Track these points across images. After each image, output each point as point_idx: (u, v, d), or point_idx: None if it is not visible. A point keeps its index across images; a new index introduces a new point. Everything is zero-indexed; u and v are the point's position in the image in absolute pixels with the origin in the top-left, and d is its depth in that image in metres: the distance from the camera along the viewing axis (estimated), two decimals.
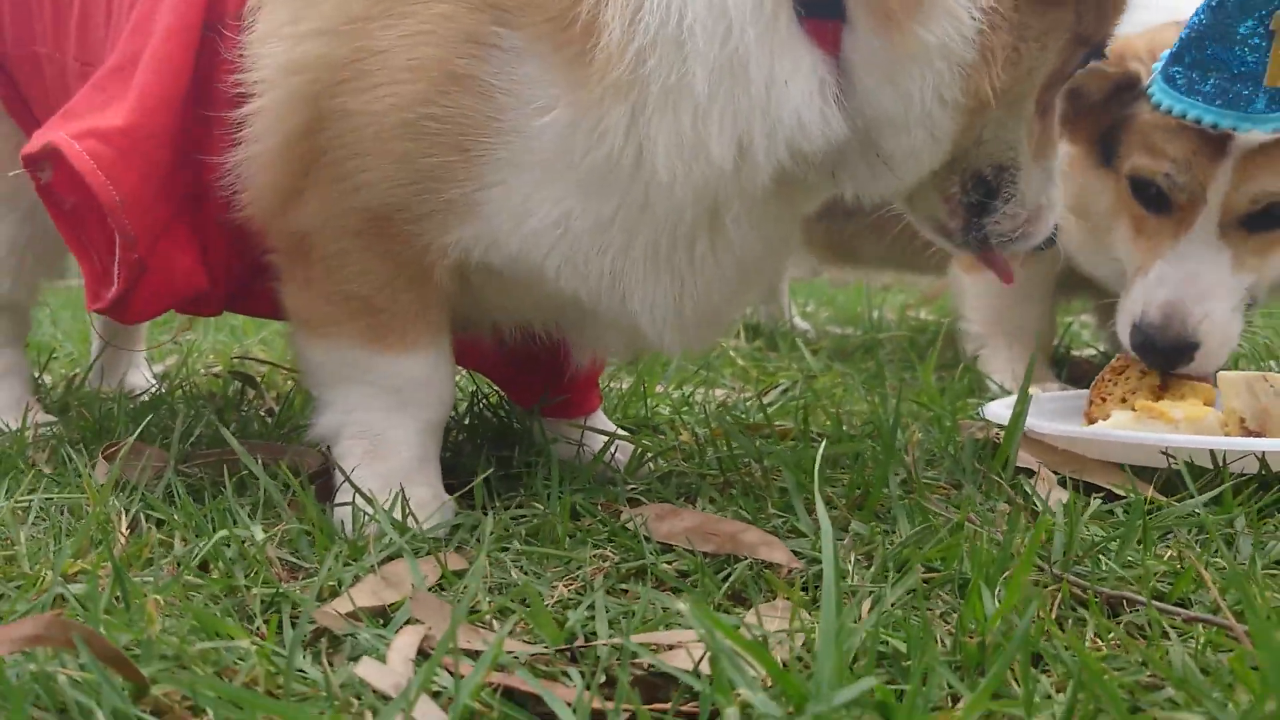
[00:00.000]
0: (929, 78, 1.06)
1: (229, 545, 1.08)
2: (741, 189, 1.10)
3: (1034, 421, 1.41)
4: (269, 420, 1.78)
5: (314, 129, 1.15)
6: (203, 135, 1.26)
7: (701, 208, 1.12)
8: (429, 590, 1.00)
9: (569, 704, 0.74)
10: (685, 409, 1.77)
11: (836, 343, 2.67)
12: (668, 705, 0.76)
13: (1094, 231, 1.76)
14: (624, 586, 1.04)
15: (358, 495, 1.19)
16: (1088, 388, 1.64)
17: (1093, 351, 2.43)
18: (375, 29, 1.12)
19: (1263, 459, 1.26)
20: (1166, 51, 1.56)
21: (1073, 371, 2.19)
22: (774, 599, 0.99)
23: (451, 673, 0.78)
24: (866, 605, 0.93)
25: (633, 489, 1.32)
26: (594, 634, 0.91)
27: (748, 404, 1.80)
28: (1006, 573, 0.95)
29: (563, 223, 1.13)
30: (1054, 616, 0.93)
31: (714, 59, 1.04)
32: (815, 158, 1.09)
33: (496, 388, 1.64)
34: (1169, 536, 1.14)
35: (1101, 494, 1.27)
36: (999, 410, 1.48)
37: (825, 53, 1.07)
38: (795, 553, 1.06)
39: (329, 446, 1.28)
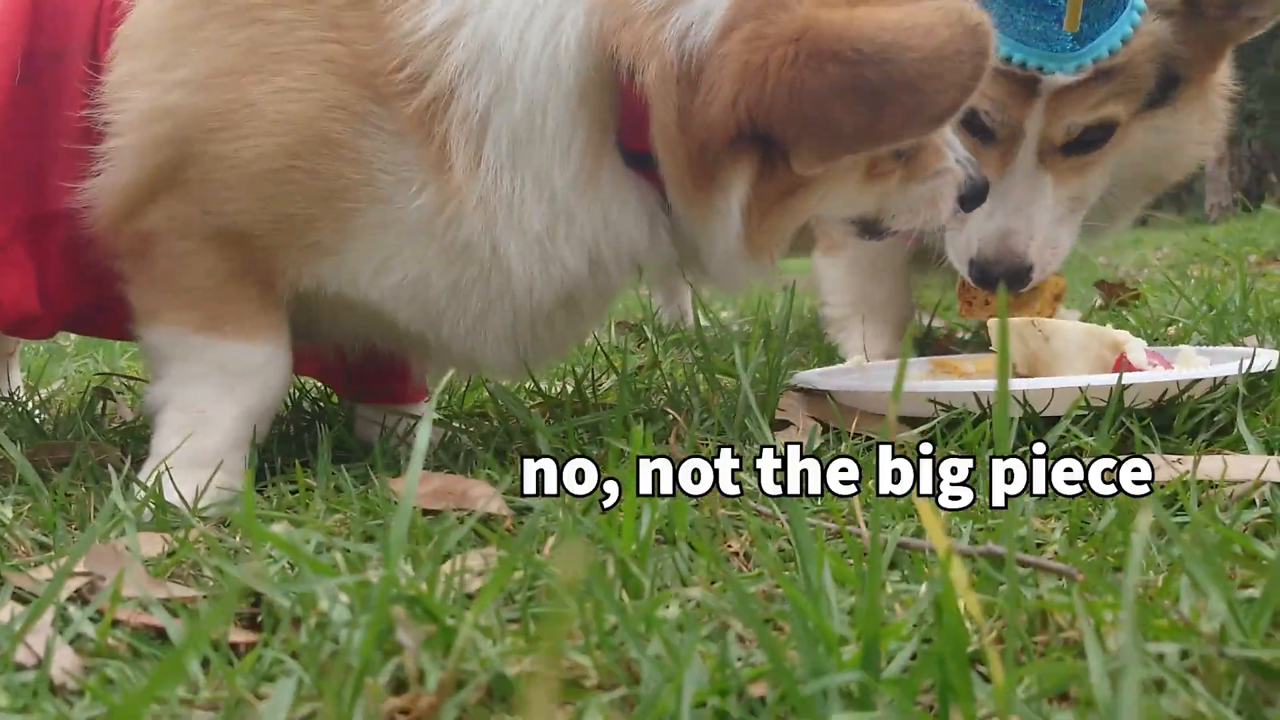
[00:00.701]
0: (720, 240, 1.19)
1: None
2: (597, 287, 1.24)
3: (818, 378, 1.44)
4: (117, 431, 1.81)
5: (177, 165, 1.20)
6: (45, 161, 1.28)
7: (559, 301, 1.24)
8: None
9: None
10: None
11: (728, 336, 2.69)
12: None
13: None
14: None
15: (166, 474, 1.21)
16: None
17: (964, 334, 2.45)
18: (246, 83, 1.17)
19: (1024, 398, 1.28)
20: None
21: (936, 349, 2.20)
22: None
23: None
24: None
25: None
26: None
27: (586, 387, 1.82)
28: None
29: (423, 281, 1.22)
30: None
31: (544, 212, 1.17)
32: (661, 266, 1.27)
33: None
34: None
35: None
36: (810, 377, 1.50)
37: (654, 188, 1.20)
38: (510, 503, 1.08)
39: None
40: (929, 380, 1.47)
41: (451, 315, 1.24)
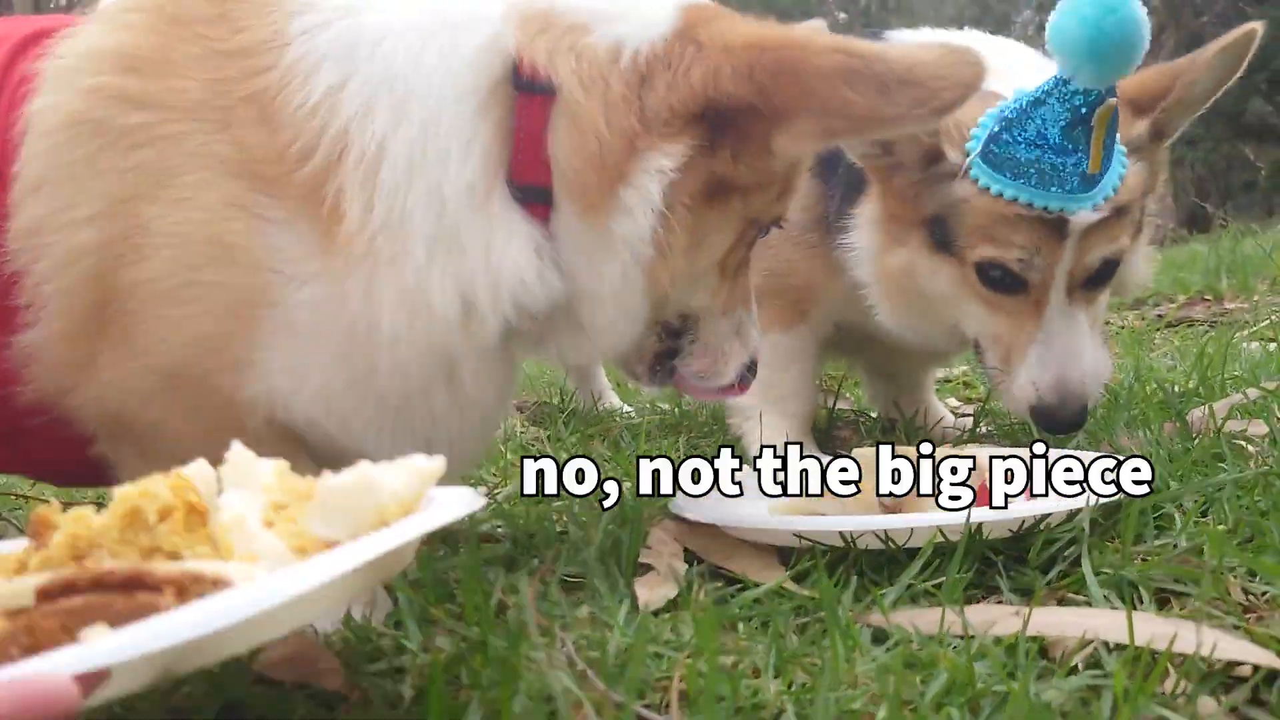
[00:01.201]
0: (617, 263, 1.21)
1: None
2: (471, 342, 1.20)
3: (689, 505, 1.45)
4: None
5: (103, 303, 1.19)
6: None
7: (431, 364, 1.21)
8: None
9: None
10: None
11: (650, 421, 2.69)
12: None
13: (926, 307, 1.83)
14: None
15: None
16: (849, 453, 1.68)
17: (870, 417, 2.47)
18: (141, 205, 1.17)
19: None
20: (979, 130, 1.65)
21: (835, 441, 2.22)
22: None
23: None
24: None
25: None
26: None
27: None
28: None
29: (328, 387, 1.21)
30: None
31: (430, 232, 1.17)
32: (540, 313, 1.22)
33: None
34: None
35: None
36: (684, 503, 1.50)
37: (539, 224, 1.21)
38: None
39: None
40: (805, 503, 1.48)
41: (355, 415, 1.23)
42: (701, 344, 1.39)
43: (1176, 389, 2.19)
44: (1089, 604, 1.13)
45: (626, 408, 2.95)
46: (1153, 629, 0.99)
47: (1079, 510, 1.29)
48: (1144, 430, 1.81)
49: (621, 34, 1.22)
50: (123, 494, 0.85)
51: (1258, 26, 1.59)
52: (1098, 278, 1.73)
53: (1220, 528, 1.28)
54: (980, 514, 1.26)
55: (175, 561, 0.82)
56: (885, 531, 1.29)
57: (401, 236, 1.17)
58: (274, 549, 0.83)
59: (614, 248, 1.21)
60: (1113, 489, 1.31)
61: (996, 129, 1.62)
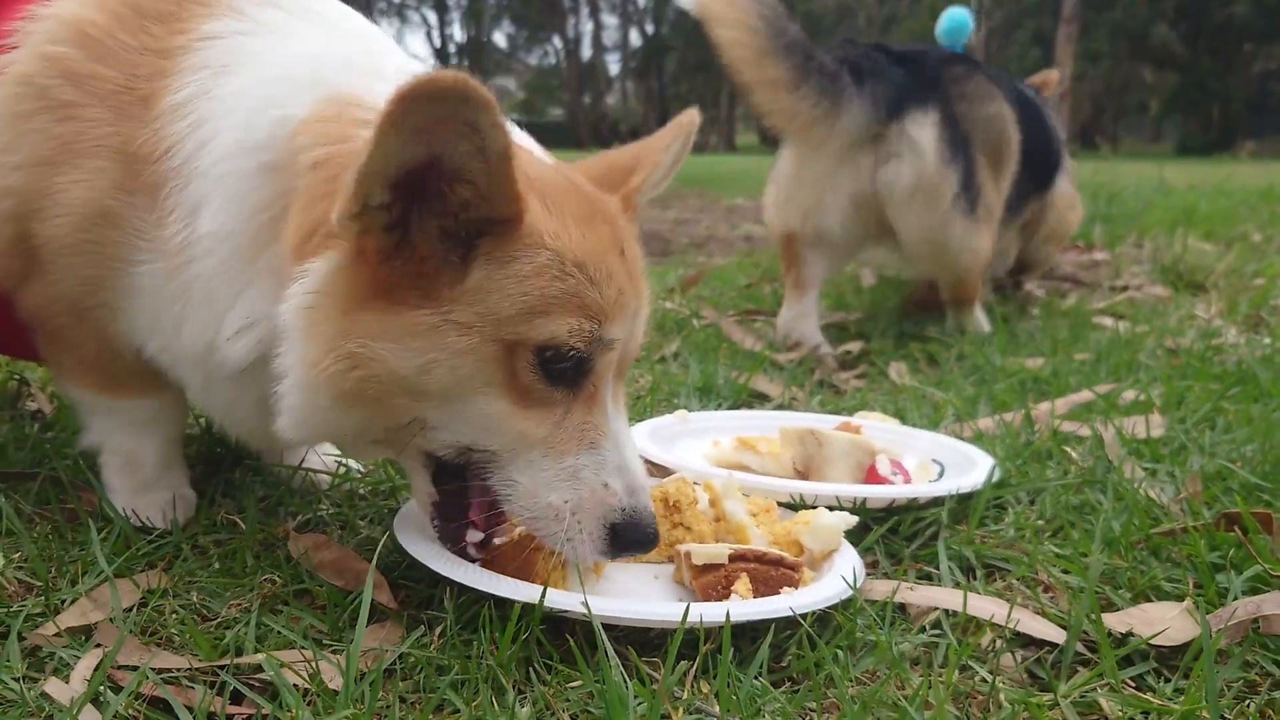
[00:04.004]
0: (301, 291, 1.25)
1: None
2: (216, 364, 1.40)
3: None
4: (37, 422, 2.08)
5: (22, 238, 1.45)
6: None
7: (200, 369, 1.43)
8: (134, 605, 1.36)
9: (188, 706, 1.11)
10: None
11: None
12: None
13: None
14: (283, 606, 1.40)
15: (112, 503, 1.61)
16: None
17: None
18: (54, 173, 1.41)
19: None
20: None
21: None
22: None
23: (116, 687, 1.14)
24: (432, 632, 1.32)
25: (325, 510, 1.70)
26: (241, 649, 1.27)
27: None
28: None
29: (168, 347, 1.46)
30: None
31: (214, 265, 1.34)
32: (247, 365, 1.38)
33: None
34: None
35: None
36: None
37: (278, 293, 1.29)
38: (407, 585, 1.44)
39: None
40: (735, 455, 1.89)
41: (192, 372, 1.47)
42: (515, 486, 1.27)
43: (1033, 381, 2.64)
44: (938, 574, 1.56)
45: None
46: (979, 604, 1.41)
47: (944, 497, 1.71)
48: (1000, 415, 2.25)
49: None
50: (661, 488, 1.55)
51: (695, 112, 1.53)
52: None
53: (1039, 521, 1.72)
54: (870, 490, 1.67)
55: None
56: (800, 494, 1.70)
57: (200, 259, 1.34)
58: (760, 541, 1.52)
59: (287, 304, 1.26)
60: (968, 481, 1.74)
61: None
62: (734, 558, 1.37)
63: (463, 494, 1.32)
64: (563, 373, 1.24)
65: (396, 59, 1.43)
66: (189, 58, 1.38)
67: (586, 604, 1.23)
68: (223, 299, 1.35)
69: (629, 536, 1.25)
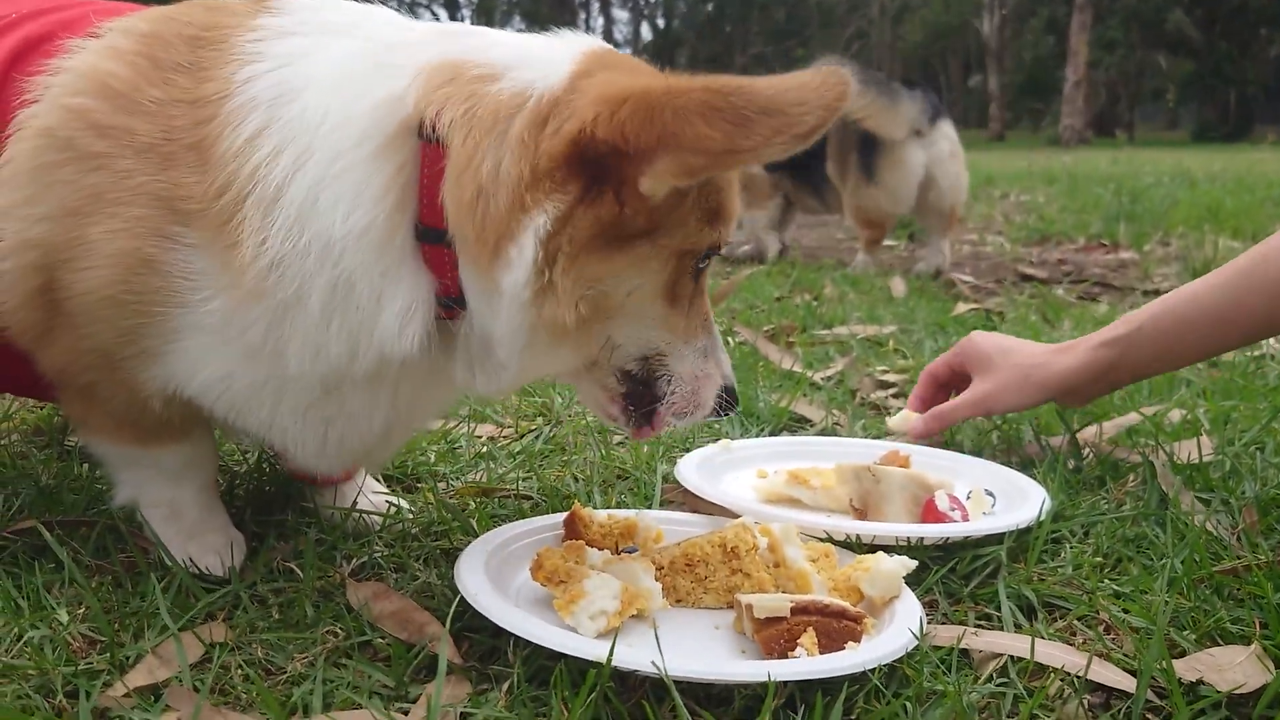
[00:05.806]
0: (504, 309, 1.30)
1: (37, 627, 1.41)
2: (354, 376, 1.40)
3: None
4: (86, 463, 2.08)
5: (48, 289, 1.44)
6: None
7: (319, 385, 1.41)
8: (198, 660, 1.36)
9: None
10: (449, 457, 2.13)
11: None
12: None
13: None
14: (346, 659, 1.40)
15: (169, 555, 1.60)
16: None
17: None
18: (86, 223, 1.40)
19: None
20: None
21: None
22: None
23: None
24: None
25: (379, 552, 1.70)
26: (309, 708, 1.27)
27: (500, 450, 2.17)
28: None
29: (226, 380, 1.45)
30: None
31: (328, 278, 1.31)
32: (409, 360, 1.37)
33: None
34: None
35: None
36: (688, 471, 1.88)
37: (434, 275, 1.33)
38: (469, 636, 1.44)
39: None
40: (786, 489, 1.88)
41: (255, 407, 1.46)
42: (676, 378, 1.47)
43: None
44: (999, 615, 1.55)
45: None
46: (1046, 650, 1.40)
47: (1002, 533, 1.70)
48: (1046, 440, 2.23)
49: (527, 80, 1.30)
50: (720, 534, 1.56)
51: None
52: None
53: (1097, 558, 1.71)
54: (934, 530, 1.66)
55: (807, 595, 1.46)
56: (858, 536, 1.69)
57: (297, 277, 1.31)
58: (822, 589, 1.52)
59: (500, 295, 1.29)
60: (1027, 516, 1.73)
61: None
62: (796, 610, 1.37)
63: (646, 385, 1.48)
64: (701, 270, 1.43)
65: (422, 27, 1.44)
66: (230, 102, 1.37)
67: (662, 665, 1.23)
68: (365, 298, 1.33)
69: (728, 401, 1.52)
